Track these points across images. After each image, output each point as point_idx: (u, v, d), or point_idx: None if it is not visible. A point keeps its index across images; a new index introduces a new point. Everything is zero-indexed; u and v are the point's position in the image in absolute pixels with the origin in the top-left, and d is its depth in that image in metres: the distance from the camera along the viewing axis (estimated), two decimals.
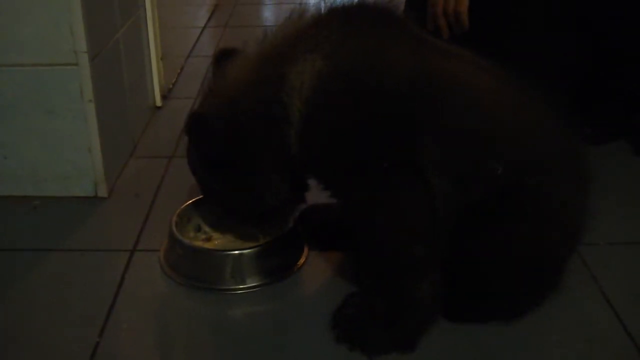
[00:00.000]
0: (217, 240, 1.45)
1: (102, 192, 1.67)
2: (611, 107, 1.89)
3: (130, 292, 1.35)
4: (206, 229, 1.47)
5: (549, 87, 1.17)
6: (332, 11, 1.20)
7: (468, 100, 1.15)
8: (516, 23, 1.74)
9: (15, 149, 1.62)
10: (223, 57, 1.30)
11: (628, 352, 1.19)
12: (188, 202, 1.48)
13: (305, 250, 1.46)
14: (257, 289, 1.36)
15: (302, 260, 1.43)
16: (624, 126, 1.90)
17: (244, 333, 1.26)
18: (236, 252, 1.36)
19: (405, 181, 1.12)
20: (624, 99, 1.88)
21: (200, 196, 1.45)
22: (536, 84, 1.18)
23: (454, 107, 1.13)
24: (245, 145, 1.21)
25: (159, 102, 2.21)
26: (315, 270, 1.41)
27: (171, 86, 2.36)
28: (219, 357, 1.21)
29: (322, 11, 1.20)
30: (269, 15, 3.45)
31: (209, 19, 3.22)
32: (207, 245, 1.43)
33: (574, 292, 1.30)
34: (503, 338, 1.21)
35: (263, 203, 1.28)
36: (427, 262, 1.16)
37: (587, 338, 1.22)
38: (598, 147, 1.82)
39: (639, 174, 1.76)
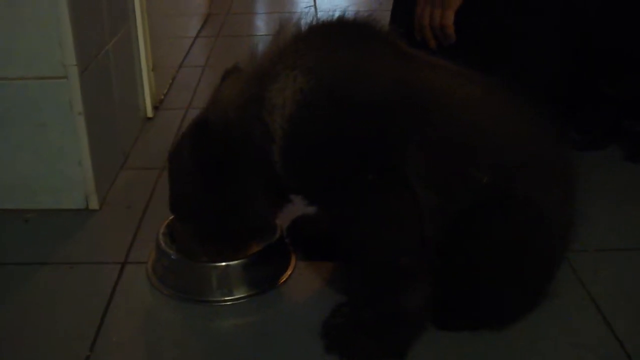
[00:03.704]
0: None
1: (94, 204, 1.67)
2: (600, 112, 1.89)
3: (121, 304, 1.35)
4: None
5: (535, 93, 1.17)
6: (313, 28, 1.21)
7: (452, 110, 1.15)
8: (503, 31, 1.75)
9: (5, 162, 1.62)
10: (228, 75, 1.30)
11: (618, 358, 1.20)
12: None
13: (293, 260, 1.46)
14: (244, 300, 1.36)
15: (289, 271, 1.43)
16: (613, 132, 1.90)
17: (233, 344, 1.26)
18: (222, 263, 1.36)
19: (390, 193, 1.13)
20: (614, 105, 1.89)
21: None
22: (522, 91, 1.18)
23: (438, 117, 1.13)
24: (234, 162, 1.21)
25: (150, 113, 2.21)
26: (304, 280, 1.41)
27: (162, 97, 2.37)
28: None
29: (303, 28, 1.21)
30: (261, 25, 3.45)
31: (201, 29, 3.22)
32: None
33: (563, 298, 1.31)
34: (492, 346, 1.22)
35: (243, 220, 1.28)
36: (414, 272, 1.16)
37: (576, 344, 1.22)
38: (587, 154, 1.83)
39: (629, 180, 1.76)
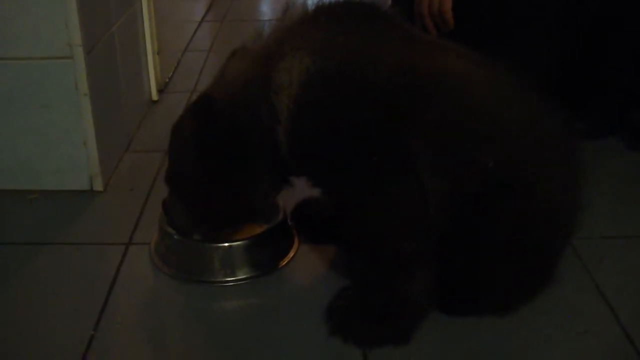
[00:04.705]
0: None
1: (98, 186, 1.67)
2: (606, 102, 1.89)
3: (125, 285, 1.35)
4: None
5: (538, 81, 1.17)
6: (320, 8, 1.20)
7: (457, 94, 1.14)
8: (503, 18, 1.75)
9: (10, 142, 1.62)
10: (234, 55, 1.30)
11: (621, 344, 1.20)
12: None
13: (296, 242, 1.46)
14: (247, 281, 1.36)
15: (292, 253, 1.43)
16: (618, 121, 1.90)
17: (236, 325, 1.26)
18: (225, 244, 1.36)
19: (395, 176, 1.12)
20: (619, 94, 1.88)
21: None
22: (526, 78, 1.18)
23: (443, 101, 1.12)
24: (239, 143, 1.21)
25: (155, 97, 2.21)
26: (307, 263, 1.41)
27: (167, 80, 2.36)
28: (212, 349, 1.21)
29: (310, 8, 1.20)
30: (266, 9, 3.45)
31: (206, 13, 3.22)
32: None
33: (568, 285, 1.30)
34: (497, 331, 1.22)
35: (246, 202, 1.28)
36: (418, 256, 1.16)
37: (580, 331, 1.22)
38: (592, 142, 1.82)
39: (632, 168, 1.76)
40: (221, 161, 1.22)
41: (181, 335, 1.24)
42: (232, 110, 1.19)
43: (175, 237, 1.39)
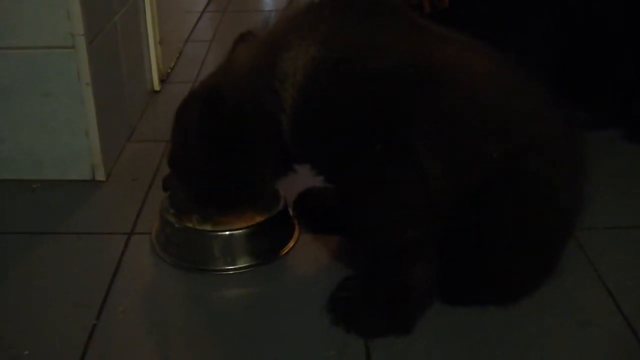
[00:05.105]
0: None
1: (100, 175, 1.67)
2: (607, 93, 1.89)
3: (127, 274, 1.35)
4: None
5: (540, 72, 1.17)
6: None
7: (462, 84, 1.13)
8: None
9: (12, 132, 1.62)
10: (241, 40, 1.29)
11: (624, 335, 1.19)
12: None
13: (296, 232, 1.46)
14: (248, 269, 1.37)
15: (293, 242, 1.43)
16: (621, 113, 1.90)
17: (237, 314, 1.26)
18: (226, 232, 1.37)
19: (397, 166, 1.12)
20: (620, 86, 1.88)
21: None
22: (530, 69, 1.18)
23: (447, 91, 1.12)
24: (243, 130, 1.21)
25: (157, 87, 2.21)
26: (308, 252, 1.41)
27: (169, 71, 2.36)
28: (213, 338, 1.21)
29: None
30: (268, 0, 3.44)
31: (208, 3, 3.21)
32: (204, 226, 1.41)
33: (571, 276, 1.30)
34: (499, 321, 1.22)
35: (249, 188, 1.28)
36: (421, 245, 1.15)
37: (583, 322, 1.22)
38: (595, 133, 1.82)
39: (634, 159, 1.76)
40: (225, 148, 1.22)
41: (183, 324, 1.24)
42: (237, 98, 1.18)
43: (175, 225, 1.39)
